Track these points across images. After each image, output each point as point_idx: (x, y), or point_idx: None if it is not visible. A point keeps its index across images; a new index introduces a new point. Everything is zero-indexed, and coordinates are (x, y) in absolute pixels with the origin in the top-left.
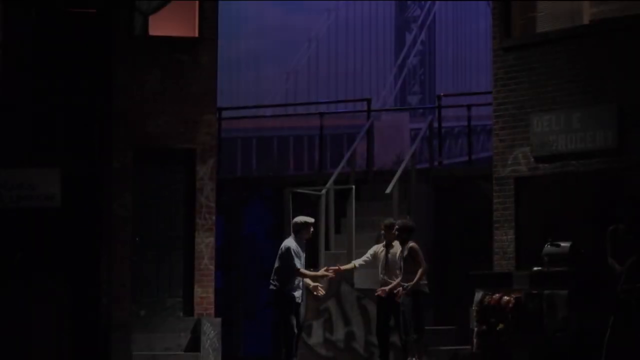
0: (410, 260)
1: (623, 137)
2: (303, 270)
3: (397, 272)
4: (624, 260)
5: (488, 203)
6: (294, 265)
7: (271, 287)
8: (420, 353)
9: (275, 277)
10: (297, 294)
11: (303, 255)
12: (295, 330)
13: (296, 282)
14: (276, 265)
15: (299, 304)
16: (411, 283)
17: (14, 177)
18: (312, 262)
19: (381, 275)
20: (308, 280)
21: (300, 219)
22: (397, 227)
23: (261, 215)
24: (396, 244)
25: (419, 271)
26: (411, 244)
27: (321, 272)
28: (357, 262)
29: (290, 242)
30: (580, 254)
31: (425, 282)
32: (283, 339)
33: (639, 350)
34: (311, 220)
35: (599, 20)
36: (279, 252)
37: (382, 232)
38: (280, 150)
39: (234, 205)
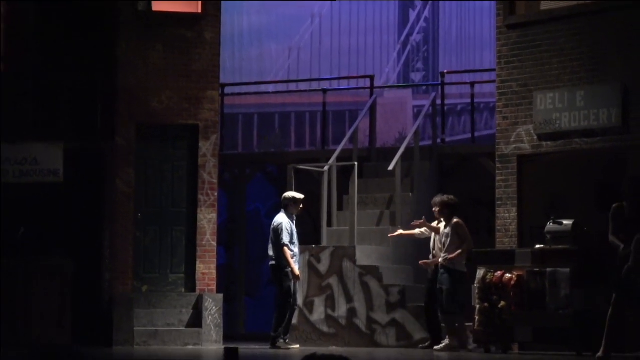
0: (457, 238)
1: (627, 115)
2: (286, 249)
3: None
4: (628, 239)
5: (491, 181)
6: (281, 240)
7: (270, 262)
8: (455, 331)
9: (272, 253)
10: (296, 267)
11: (295, 230)
12: (293, 306)
13: (293, 256)
14: (271, 241)
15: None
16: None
17: (17, 152)
18: (315, 239)
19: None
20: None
21: (289, 194)
22: (435, 203)
23: (264, 192)
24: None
25: (462, 249)
26: (454, 220)
27: (296, 270)
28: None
29: (282, 218)
30: (582, 232)
31: (464, 261)
32: (278, 313)
33: None
34: (300, 196)
35: None
36: (272, 226)
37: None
38: (281, 127)
39: (236, 181)
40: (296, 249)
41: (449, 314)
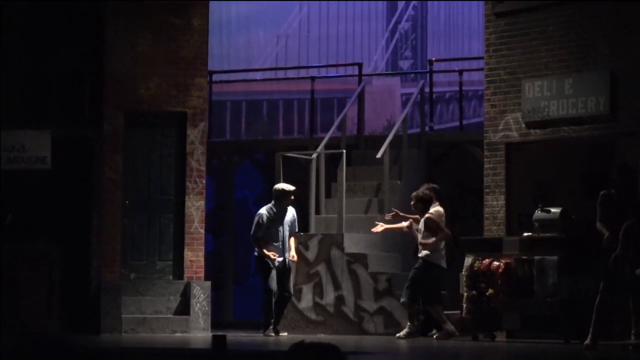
0: (425, 232)
1: (615, 103)
2: (257, 241)
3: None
4: (616, 226)
5: (479, 168)
6: (253, 231)
7: (255, 253)
8: (414, 319)
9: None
10: (278, 259)
11: (283, 221)
12: (275, 296)
13: (276, 247)
14: None
15: (282, 270)
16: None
17: (5, 139)
18: (303, 227)
19: None
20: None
21: (278, 186)
22: (412, 197)
23: (252, 179)
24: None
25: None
26: (427, 214)
27: (271, 254)
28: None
29: (263, 210)
30: (570, 220)
31: (443, 255)
32: (262, 305)
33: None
34: (289, 188)
35: None
36: None
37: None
38: (269, 114)
39: (224, 169)
40: (278, 242)
41: (409, 299)
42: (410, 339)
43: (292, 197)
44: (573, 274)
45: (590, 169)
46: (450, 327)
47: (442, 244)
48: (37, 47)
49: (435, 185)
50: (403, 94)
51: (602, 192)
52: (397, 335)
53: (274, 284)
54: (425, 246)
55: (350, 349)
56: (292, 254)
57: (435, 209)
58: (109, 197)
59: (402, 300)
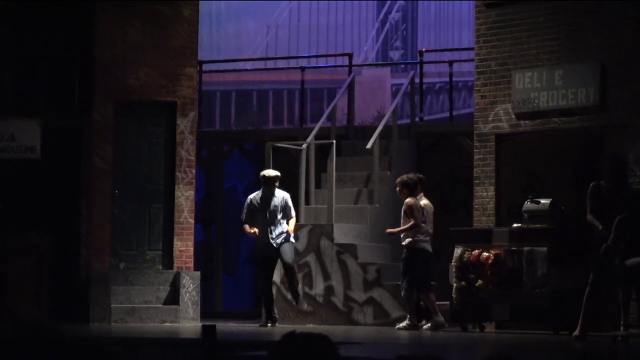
0: (405, 217)
1: (605, 94)
2: (244, 224)
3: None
4: (608, 218)
5: (469, 159)
6: (241, 216)
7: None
8: (411, 311)
9: None
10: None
11: (271, 205)
12: (271, 285)
13: (268, 232)
14: None
15: (272, 255)
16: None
17: None
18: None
19: None
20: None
21: (262, 172)
22: (396, 183)
23: (241, 169)
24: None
25: (409, 225)
26: (407, 199)
27: (251, 230)
28: None
29: (251, 195)
30: (560, 211)
31: (426, 239)
32: (262, 295)
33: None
34: (271, 173)
35: None
36: None
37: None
38: (259, 104)
39: (214, 158)
40: (266, 226)
41: (406, 292)
42: (409, 330)
43: (277, 183)
44: (562, 265)
45: (580, 160)
46: (440, 318)
47: (422, 229)
48: (26, 35)
49: (421, 176)
50: (393, 84)
51: (591, 184)
52: (397, 326)
53: (264, 280)
54: (391, 235)
55: (339, 339)
56: (289, 228)
57: (423, 202)
58: (99, 186)
59: (402, 294)
